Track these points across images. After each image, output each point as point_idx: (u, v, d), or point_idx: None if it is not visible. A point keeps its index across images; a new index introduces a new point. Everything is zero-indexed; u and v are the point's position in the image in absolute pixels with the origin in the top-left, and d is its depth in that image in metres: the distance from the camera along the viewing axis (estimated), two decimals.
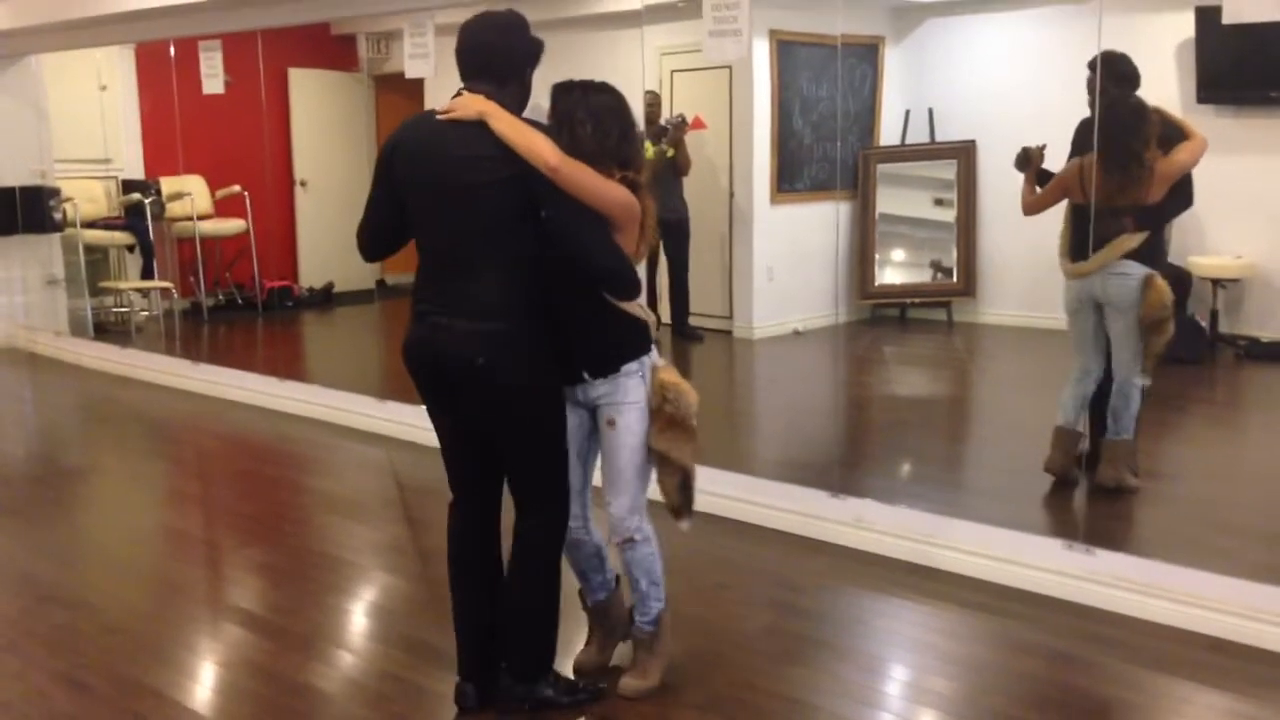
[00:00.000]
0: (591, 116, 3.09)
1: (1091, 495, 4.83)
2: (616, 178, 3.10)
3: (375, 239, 3.29)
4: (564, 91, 3.15)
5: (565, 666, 3.45)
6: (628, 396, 3.21)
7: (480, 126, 2.98)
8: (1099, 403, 4.97)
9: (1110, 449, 4.93)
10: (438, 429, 3.29)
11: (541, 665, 3.29)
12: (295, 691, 3.49)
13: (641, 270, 3.29)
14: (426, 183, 3.09)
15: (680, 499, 3.31)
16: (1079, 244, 4.87)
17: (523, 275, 3.06)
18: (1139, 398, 4.87)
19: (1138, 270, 4.76)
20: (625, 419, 3.22)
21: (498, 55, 3.09)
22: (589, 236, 3.05)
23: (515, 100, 3.09)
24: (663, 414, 3.21)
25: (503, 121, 2.98)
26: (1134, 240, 4.74)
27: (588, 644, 3.54)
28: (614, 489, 3.29)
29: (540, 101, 3.22)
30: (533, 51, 3.14)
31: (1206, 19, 6.67)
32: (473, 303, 3.04)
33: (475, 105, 3.02)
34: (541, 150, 2.95)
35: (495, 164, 2.97)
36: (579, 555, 3.42)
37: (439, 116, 3.07)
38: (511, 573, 3.25)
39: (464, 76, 3.12)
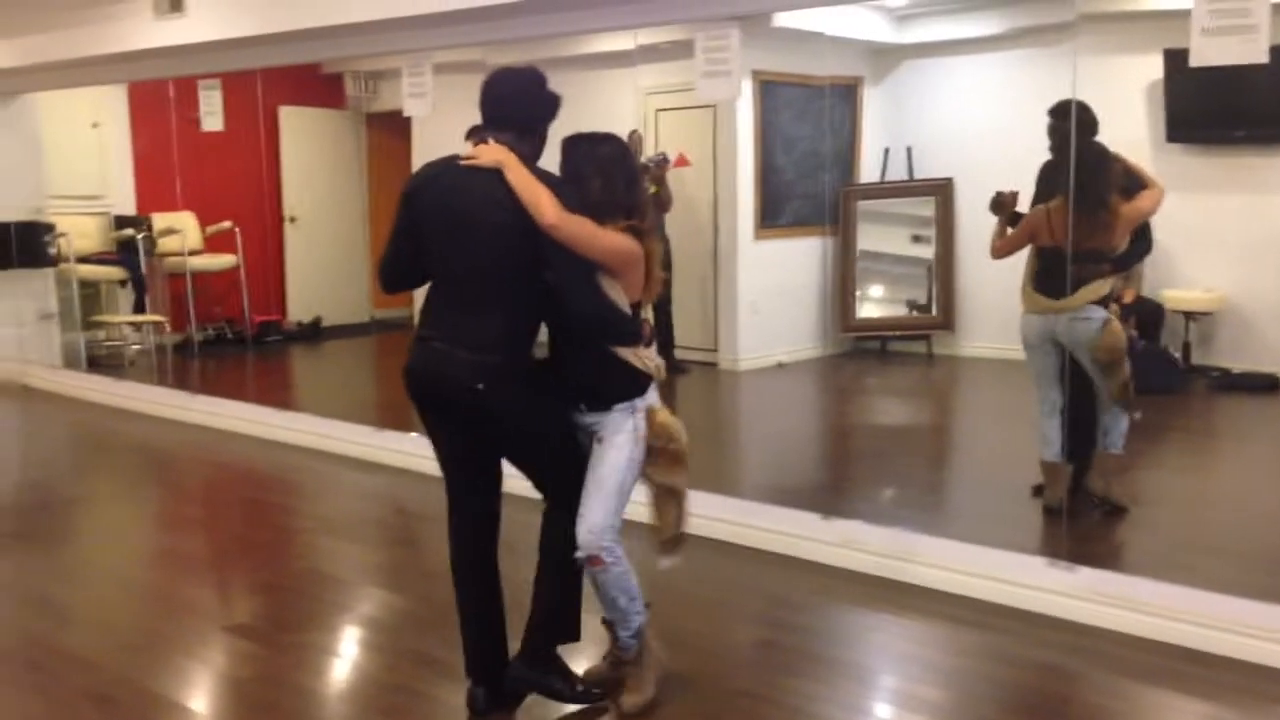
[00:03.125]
0: (599, 171, 3.29)
1: (1072, 516, 5.00)
2: (622, 227, 3.27)
3: (393, 272, 3.49)
4: (572, 145, 3.35)
5: (575, 669, 3.59)
6: (618, 427, 3.36)
7: (497, 175, 3.18)
8: (1073, 424, 5.13)
9: (1101, 461, 5.10)
10: (434, 440, 3.46)
11: (551, 656, 3.46)
12: (307, 699, 3.63)
13: None
14: (442, 222, 3.29)
15: (677, 528, 3.48)
16: (1049, 282, 5.00)
17: (525, 314, 3.29)
18: (1127, 416, 5.05)
19: (1098, 314, 4.94)
20: (614, 438, 3.37)
21: (519, 109, 3.31)
22: (575, 289, 3.22)
23: (532, 150, 3.31)
24: (666, 452, 3.40)
25: (516, 174, 3.18)
26: (1105, 286, 4.94)
27: (604, 657, 3.66)
28: (591, 500, 3.34)
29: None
30: (552, 106, 3.36)
31: (1175, 61, 6.91)
32: (474, 335, 3.24)
33: (495, 155, 3.22)
34: (543, 207, 3.14)
35: (506, 211, 3.17)
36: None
37: (461, 162, 3.28)
38: (540, 561, 3.43)
39: (486, 124, 3.32)
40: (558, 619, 3.47)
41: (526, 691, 3.47)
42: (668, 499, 3.46)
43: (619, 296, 3.28)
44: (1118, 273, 5.00)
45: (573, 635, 3.52)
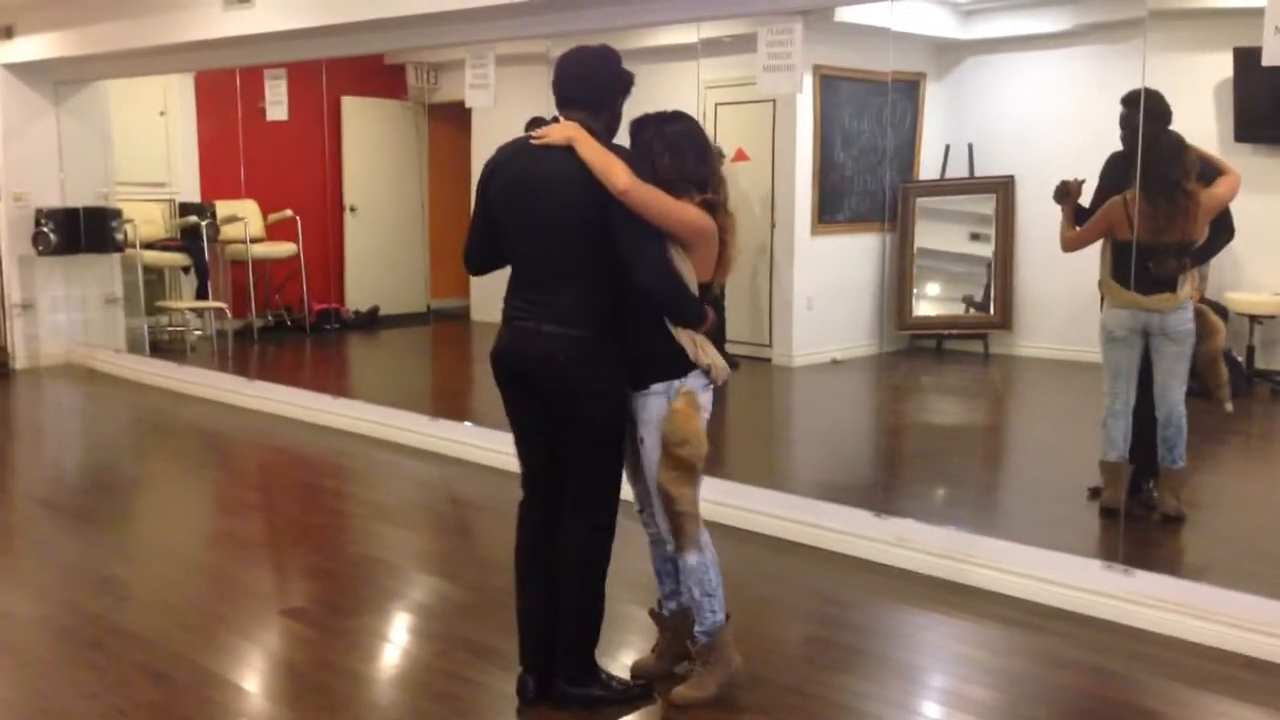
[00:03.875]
0: (669, 146, 3.29)
1: (1129, 519, 4.94)
2: (696, 201, 3.27)
3: (476, 255, 3.51)
4: (641, 125, 3.36)
5: (614, 666, 3.62)
6: (652, 415, 3.34)
7: (568, 150, 3.20)
8: (1138, 426, 5.06)
9: (1170, 478, 5.02)
10: (514, 426, 3.48)
11: (584, 667, 3.44)
12: (360, 684, 3.67)
13: None
14: (517, 202, 3.31)
15: (668, 526, 3.37)
16: (1137, 275, 4.90)
17: (604, 287, 3.26)
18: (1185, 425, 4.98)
19: (1190, 304, 4.89)
20: (649, 437, 3.36)
21: (590, 86, 3.33)
22: (644, 257, 3.20)
23: (606, 127, 3.33)
24: (672, 455, 3.27)
25: (586, 146, 3.19)
26: (1195, 278, 4.87)
27: (653, 649, 3.67)
28: (654, 503, 3.41)
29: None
30: (623, 83, 3.37)
31: (1245, 59, 6.79)
32: (557, 310, 3.26)
33: (565, 131, 3.24)
34: (615, 173, 3.14)
35: (578, 185, 3.18)
36: (655, 554, 3.59)
37: (532, 141, 3.30)
38: (562, 574, 3.41)
39: (559, 105, 3.35)
40: (591, 629, 3.44)
41: (575, 708, 3.43)
42: (666, 506, 3.33)
43: (688, 275, 3.25)
44: (1200, 263, 4.91)
45: (591, 649, 3.47)
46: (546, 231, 3.27)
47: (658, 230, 3.21)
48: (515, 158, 3.36)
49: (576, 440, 3.35)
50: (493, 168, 3.40)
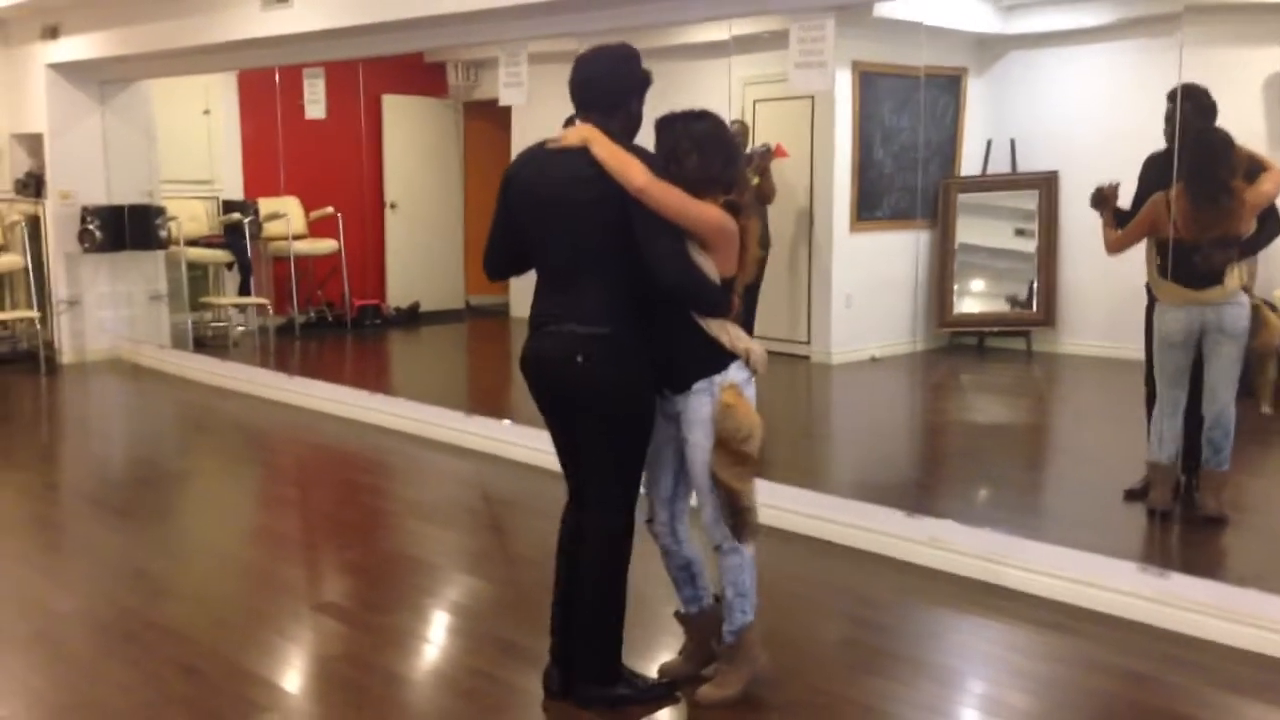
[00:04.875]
0: (695, 146, 3.27)
1: (1165, 521, 4.87)
2: (720, 201, 3.25)
3: (495, 260, 3.53)
4: (666, 125, 3.33)
5: (645, 666, 3.61)
6: (697, 414, 3.32)
7: (584, 152, 3.20)
8: (1187, 428, 4.98)
9: (1212, 479, 4.94)
10: (553, 432, 3.50)
11: (607, 667, 3.43)
12: (390, 681, 3.68)
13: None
14: (536, 205, 3.32)
15: (732, 522, 3.35)
16: (1186, 272, 4.81)
17: (626, 287, 3.26)
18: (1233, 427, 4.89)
19: (1245, 299, 4.81)
20: (695, 435, 3.34)
21: (601, 89, 3.32)
22: (662, 252, 3.19)
23: (622, 128, 3.31)
24: (730, 450, 3.26)
25: (601, 146, 3.19)
26: (1242, 269, 4.79)
27: (680, 651, 3.67)
28: (700, 499, 3.43)
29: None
30: (637, 83, 3.35)
31: None
32: (579, 311, 3.26)
33: (581, 133, 3.24)
34: (632, 172, 3.14)
35: (595, 185, 3.18)
36: (668, 564, 3.56)
37: (549, 145, 3.31)
38: (581, 576, 3.40)
39: (576, 108, 3.35)
40: (612, 629, 3.42)
41: (599, 708, 3.42)
42: (727, 501, 3.32)
43: (708, 269, 3.24)
44: (1246, 257, 4.83)
45: (612, 651, 3.45)
46: (566, 234, 3.28)
47: (675, 227, 3.20)
48: (533, 162, 3.37)
49: (596, 439, 3.34)
50: (512, 173, 3.42)
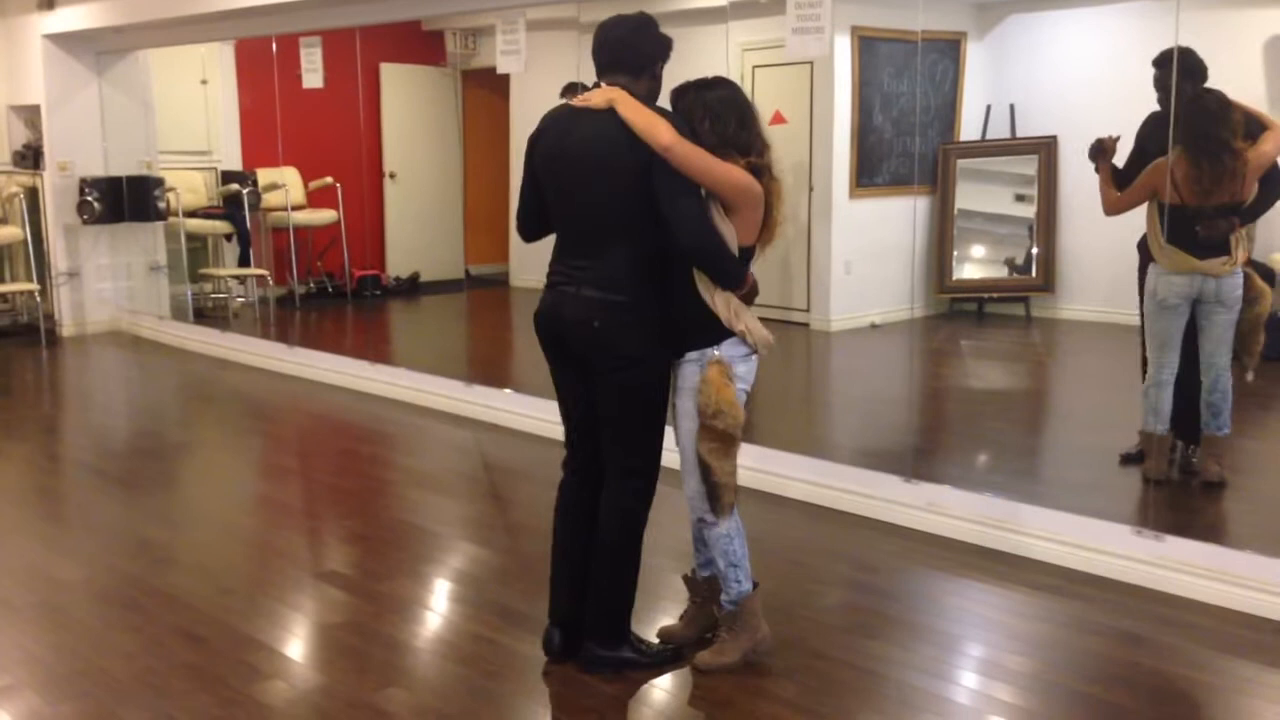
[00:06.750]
0: (709, 112, 3.28)
1: (1159, 485, 4.88)
2: (741, 165, 3.25)
3: (527, 222, 3.53)
4: (681, 93, 3.36)
5: (647, 630, 3.65)
6: (686, 383, 3.35)
7: (610, 113, 3.21)
8: (1182, 395, 4.99)
9: (1213, 444, 4.95)
10: (557, 388, 3.52)
11: (616, 630, 3.47)
12: (392, 647, 3.72)
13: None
14: (560, 166, 3.33)
15: (711, 496, 3.38)
16: (1191, 239, 4.79)
17: (646, 251, 3.27)
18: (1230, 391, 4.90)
19: (1242, 271, 4.81)
20: (683, 403, 3.37)
21: (630, 50, 3.32)
22: (683, 212, 3.19)
23: (647, 91, 3.32)
24: (707, 427, 3.28)
25: (627, 106, 3.20)
26: (1245, 239, 4.78)
27: (681, 615, 3.70)
28: (683, 470, 3.45)
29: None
30: (663, 47, 3.36)
31: None
32: (598, 274, 3.27)
33: (606, 94, 3.24)
34: (658, 130, 3.14)
35: (620, 146, 3.19)
36: (697, 529, 3.58)
37: (574, 104, 3.32)
38: (600, 539, 3.44)
39: (599, 71, 3.35)
40: (625, 594, 3.47)
41: (603, 671, 3.46)
42: (703, 475, 3.34)
43: (729, 235, 3.25)
44: (1247, 223, 4.81)
45: (624, 614, 3.49)
46: (589, 194, 3.28)
47: (698, 189, 3.21)
48: (558, 122, 3.37)
49: (612, 405, 3.36)
50: (538, 134, 3.42)
